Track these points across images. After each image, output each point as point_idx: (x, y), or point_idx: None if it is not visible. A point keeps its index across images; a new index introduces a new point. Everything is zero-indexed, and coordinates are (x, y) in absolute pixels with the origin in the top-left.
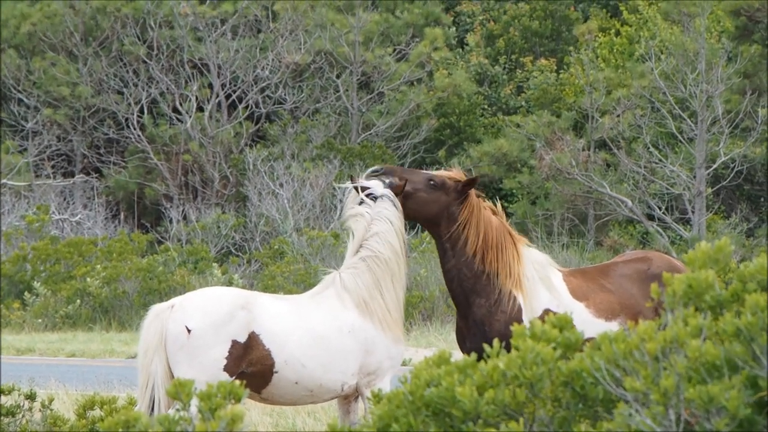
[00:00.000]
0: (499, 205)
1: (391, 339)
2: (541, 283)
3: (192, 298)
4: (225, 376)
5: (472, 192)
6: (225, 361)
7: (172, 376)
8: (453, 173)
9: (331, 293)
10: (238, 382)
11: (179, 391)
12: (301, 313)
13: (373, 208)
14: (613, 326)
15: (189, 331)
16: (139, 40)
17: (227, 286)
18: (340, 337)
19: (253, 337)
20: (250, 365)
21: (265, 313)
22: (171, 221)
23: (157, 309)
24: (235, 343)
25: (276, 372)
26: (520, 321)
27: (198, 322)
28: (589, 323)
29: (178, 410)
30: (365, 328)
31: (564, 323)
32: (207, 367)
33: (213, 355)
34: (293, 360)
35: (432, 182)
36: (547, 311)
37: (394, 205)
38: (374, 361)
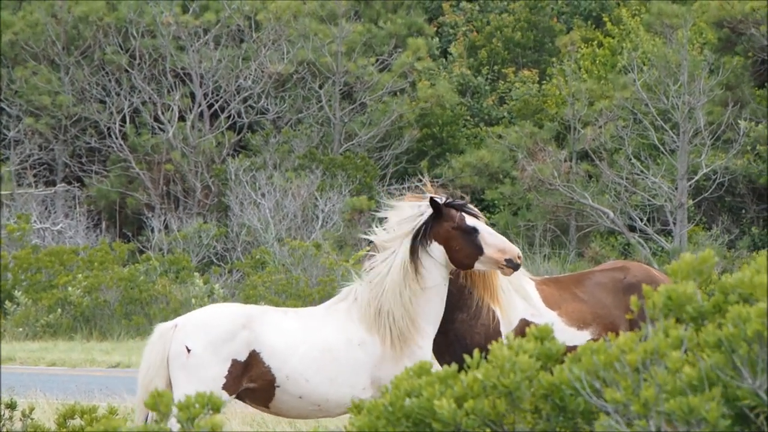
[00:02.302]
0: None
1: (404, 353)
2: (516, 293)
3: (193, 318)
4: (224, 395)
5: (443, 209)
6: (224, 380)
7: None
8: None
9: (343, 306)
10: (220, 392)
11: (157, 402)
12: (310, 327)
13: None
14: (585, 335)
15: (188, 350)
16: (122, 49)
17: (209, 295)
18: (349, 350)
19: (253, 356)
20: (251, 381)
21: (268, 331)
22: (152, 230)
23: (161, 329)
24: (235, 362)
25: (278, 387)
26: (498, 333)
27: (197, 341)
28: (560, 332)
29: (156, 421)
30: (376, 342)
31: (544, 334)
32: (205, 385)
33: (211, 373)
34: (295, 375)
35: None
36: (523, 321)
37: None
38: (387, 375)
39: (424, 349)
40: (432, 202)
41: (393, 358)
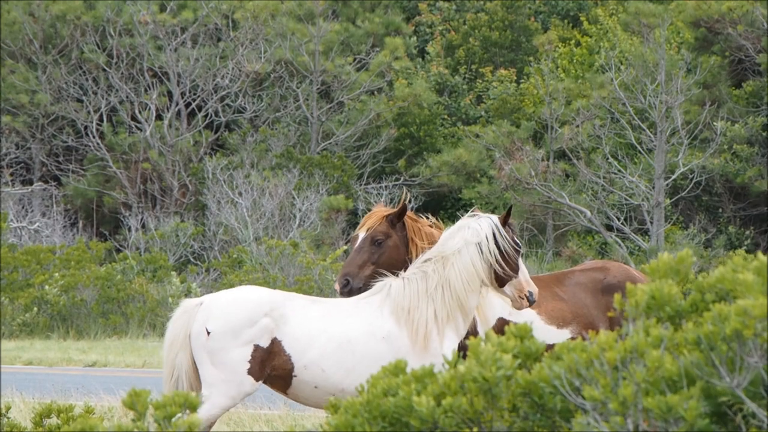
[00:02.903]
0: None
1: (428, 351)
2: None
3: (218, 300)
4: (250, 380)
5: (407, 218)
6: (248, 365)
7: (196, 371)
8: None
9: (376, 299)
10: (193, 393)
11: (134, 402)
12: (333, 317)
13: (476, 232)
14: (565, 334)
15: (208, 332)
16: (99, 48)
17: (186, 294)
18: (371, 343)
19: (275, 343)
20: (273, 369)
21: (290, 319)
22: (129, 229)
23: (185, 305)
24: (257, 347)
25: (295, 376)
26: (475, 333)
27: (218, 324)
28: (539, 330)
29: (133, 420)
30: (403, 336)
31: (524, 332)
32: (230, 367)
33: (234, 357)
34: (312, 365)
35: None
36: (501, 320)
37: (495, 239)
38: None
39: (447, 350)
40: (495, 218)
41: (417, 354)
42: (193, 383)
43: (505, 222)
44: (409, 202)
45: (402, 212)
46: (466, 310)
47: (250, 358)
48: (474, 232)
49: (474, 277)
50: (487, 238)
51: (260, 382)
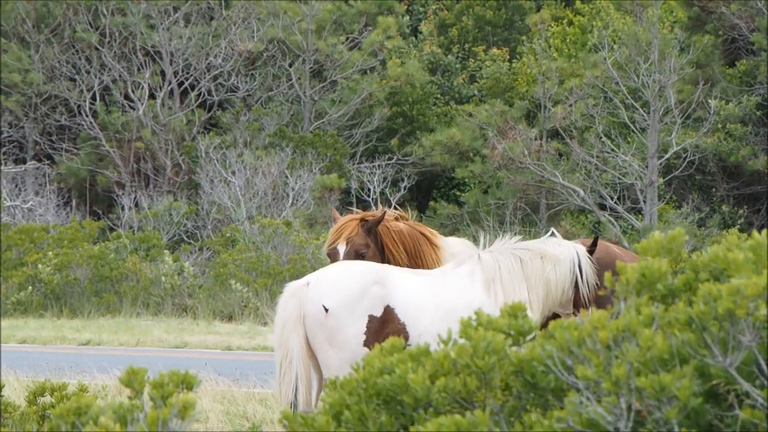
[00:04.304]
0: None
1: None
2: None
3: (326, 276)
4: (366, 351)
5: (375, 220)
6: (364, 337)
7: (310, 352)
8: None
9: (465, 270)
10: (362, 350)
11: (132, 380)
12: (434, 287)
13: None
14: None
15: (326, 310)
16: (92, 27)
17: (179, 273)
18: (468, 312)
19: (388, 311)
20: (386, 338)
21: (398, 287)
22: (123, 208)
23: (293, 287)
24: (372, 318)
25: (409, 345)
26: None
27: (334, 300)
28: None
29: (130, 398)
30: (491, 305)
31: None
32: (348, 344)
33: (352, 331)
34: (427, 334)
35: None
36: None
37: (579, 264)
38: None
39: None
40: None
41: None
42: (305, 365)
43: (591, 252)
44: (387, 209)
45: (380, 221)
46: (545, 312)
47: (365, 329)
48: (574, 254)
49: (564, 289)
50: (581, 266)
51: None
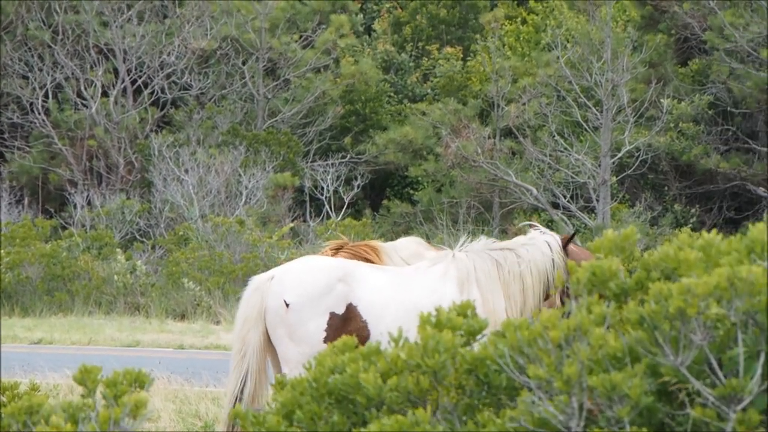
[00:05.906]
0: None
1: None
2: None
3: (290, 271)
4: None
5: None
6: (324, 333)
7: (268, 347)
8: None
9: (438, 269)
10: (322, 347)
11: (85, 378)
12: (400, 285)
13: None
14: None
15: (287, 305)
16: (44, 24)
17: (132, 272)
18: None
19: (350, 309)
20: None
21: (363, 285)
22: (75, 207)
23: (257, 281)
24: (333, 315)
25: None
26: None
27: (296, 295)
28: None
29: (82, 396)
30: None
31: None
32: (307, 340)
33: (312, 327)
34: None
35: None
36: None
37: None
38: None
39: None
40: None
41: None
42: (259, 361)
43: (566, 245)
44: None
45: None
46: (527, 311)
47: (326, 326)
48: (547, 248)
49: (541, 291)
50: (554, 259)
51: None
